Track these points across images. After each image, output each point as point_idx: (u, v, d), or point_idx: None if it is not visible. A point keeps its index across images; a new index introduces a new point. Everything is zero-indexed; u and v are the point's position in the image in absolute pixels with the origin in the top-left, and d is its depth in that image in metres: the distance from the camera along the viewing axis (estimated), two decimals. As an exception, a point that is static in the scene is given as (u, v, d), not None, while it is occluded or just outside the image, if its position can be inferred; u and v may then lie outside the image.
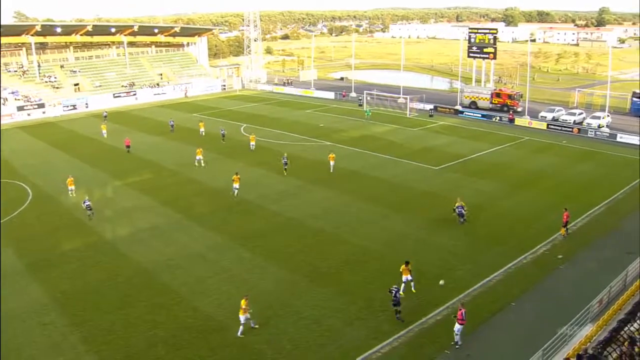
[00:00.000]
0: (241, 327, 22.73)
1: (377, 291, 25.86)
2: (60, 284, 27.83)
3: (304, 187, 42.16)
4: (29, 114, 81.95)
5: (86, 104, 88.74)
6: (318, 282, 27.19)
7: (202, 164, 48.76)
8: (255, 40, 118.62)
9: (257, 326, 23.20)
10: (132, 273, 28.69)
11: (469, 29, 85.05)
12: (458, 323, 21.51)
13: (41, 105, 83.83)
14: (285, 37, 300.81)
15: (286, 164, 46.12)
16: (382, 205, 37.55)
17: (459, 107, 75.53)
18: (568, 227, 32.12)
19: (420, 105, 76.35)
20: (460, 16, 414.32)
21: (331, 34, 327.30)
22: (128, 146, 53.27)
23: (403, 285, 25.35)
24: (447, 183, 42.79)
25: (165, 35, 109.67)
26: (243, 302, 22.77)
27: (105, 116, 74.13)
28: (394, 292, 23.50)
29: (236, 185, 39.70)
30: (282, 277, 27.84)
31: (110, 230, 34.68)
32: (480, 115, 71.10)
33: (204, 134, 62.05)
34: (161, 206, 38.90)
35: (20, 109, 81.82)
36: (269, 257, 30.07)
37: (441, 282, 26.05)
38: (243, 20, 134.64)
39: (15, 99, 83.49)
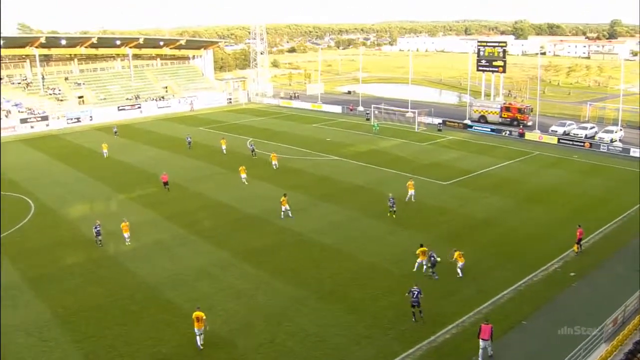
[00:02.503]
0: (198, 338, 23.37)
1: (385, 309, 25.86)
2: (62, 299, 27.92)
3: (310, 201, 42.28)
4: (32, 127, 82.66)
5: (90, 116, 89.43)
6: (325, 299, 27.18)
7: (246, 182, 47.54)
8: (261, 53, 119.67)
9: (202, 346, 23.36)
10: (136, 289, 28.78)
11: (478, 41, 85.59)
12: (482, 339, 21.49)
13: (45, 118, 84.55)
14: (292, 50, 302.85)
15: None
16: (389, 221, 37.57)
17: (468, 122, 75.64)
18: (582, 243, 32.01)
19: (429, 120, 76.54)
20: (469, 29, 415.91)
21: (338, 47, 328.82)
22: (166, 183, 46.45)
23: (416, 265, 29.28)
24: (456, 198, 42.78)
25: (171, 48, 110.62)
26: (200, 314, 23.29)
27: (116, 132, 73.89)
28: (415, 293, 24.37)
29: (285, 207, 38.68)
30: (288, 293, 27.85)
31: (114, 245, 34.83)
32: (489, 130, 71.17)
33: (225, 151, 60.17)
34: (165, 221, 39.10)
35: (23, 121, 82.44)
36: (275, 273, 30.10)
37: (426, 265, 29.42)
38: (249, 33, 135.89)
39: (19, 112, 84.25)
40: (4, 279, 30.20)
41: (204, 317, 23.42)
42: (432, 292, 27.18)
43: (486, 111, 76.74)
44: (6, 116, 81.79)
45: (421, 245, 29.71)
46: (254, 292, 28.14)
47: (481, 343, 21.59)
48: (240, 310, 26.18)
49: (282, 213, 38.61)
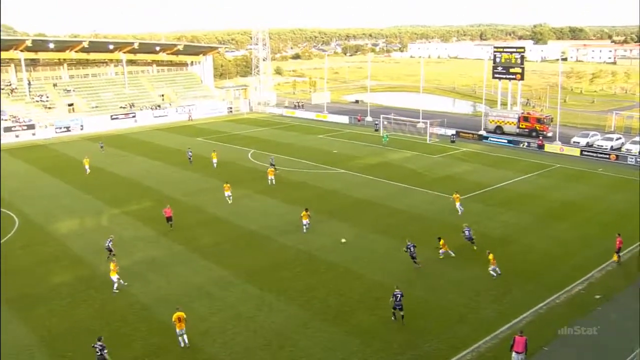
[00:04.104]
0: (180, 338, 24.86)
1: (395, 332, 25.79)
2: (47, 321, 27.85)
3: (315, 217, 42.25)
4: (17, 136, 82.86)
5: (81, 125, 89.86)
6: (331, 321, 27.11)
7: (229, 200, 46.90)
8: (264, 60, 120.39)
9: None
10: (128, 310, 28.74)
11: (494, 47, 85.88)
12: (516, 352, 21.60)
13: (31, 127, 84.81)
14: (296, 56, 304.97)
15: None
16: (399, 237, 37.35)
17: (483, 132, 75.70)
18: (621, 253, 32.32)
19: (441, 131, 76.66)
20: (484, 34, 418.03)
21: (345, 54, 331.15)
22: (169, 218, 40.54)
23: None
24: (470, 214, 42.65)
25: (168, 54, 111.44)
26: (182, 314, 24.90)
27: (102, 147, 71.94)
28: (398, 296, 26.28)
29: (306, 221, 38.99)
30: (292, 314, 27.80)
31: (105, 263, 34.66)
32: (506, 141, 71.19)
33: (216, 165, 60.02)
34: (161, 237, 39.21)
35: (7, 130, 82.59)
36: (278, 294, 30.06)
37: (343, 239, 35.33)
38: (251, 38, 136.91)
39: (3, 119, 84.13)
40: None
41: (185, 317, 24.94)
42: (446, 314, 27.16)
43: (503, 121, 76.78)
44: None
45: (439, 239, 34.16)
46: (255, 313, 28.10)
47: (515, 356, 21.59)
48: (241, 332, 26.13)
49: (304, 227, 38.96)
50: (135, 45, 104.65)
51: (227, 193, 46.96)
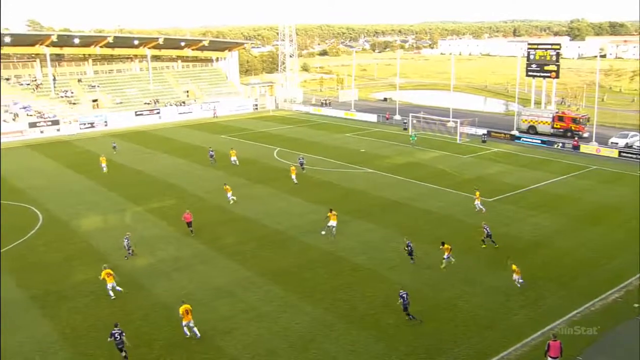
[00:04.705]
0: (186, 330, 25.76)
1: (421, 337, 25.61)
2: (70, 319, 28.31)
3: (341, 218, 42.17)
4: (41, 131, 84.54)
5: (105, 122, 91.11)
6: (356, 324, 27.04)
7: (232, 201, 47.06)
8: (290, 56, 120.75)
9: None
10: (150, 308, 29.09)
11: (528, 44, 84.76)
12: (551, 357, 21.46)
13: (55, 122, 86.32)
14: (324, 53, 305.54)
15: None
16: (426, 239, 37.16)
17: (515, 132, 74.85)
18: None
19: (472, 130, 76.06)
20: (518, 30, 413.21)
21: (374, 50, 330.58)
22: (189, 224, 39.64)
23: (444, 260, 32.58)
24: (501, 217, 42.21)
25: (193, 49, 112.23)
26: (189, 307, 25.84)
27: (115, 147, 70.99)
28: (405, 297, 26.78)
29: (333, 222, 38.33)
30: (317, 317, 27.78)
31: (128, 261, 35.32)
32: (539, 142, 70.24)
33: (237, 162, 60.58)
34: (184, 235, 39.53)
35: (32, 125, 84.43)
36: (302, 295, 30.09)
37: (322, 232, 37.98)
38: (277, 34, 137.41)
39: (28, 115, 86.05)
40: (7, 295, 30.80)
41: (191, 309, 25.89)
42: (475, 319, 26.88)
43: (536, 121, 75.80)
44: (14, 119, 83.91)
45: (442, 244, 33.17)
46: (279, 314, 28.17)
47: None
48: (263, 334, 26.23)
49: (333, 229, 38.40)
50: (160, 41, 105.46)
51: (229, 194, 47.03)
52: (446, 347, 24.74)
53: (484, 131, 74.19)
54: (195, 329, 25.80)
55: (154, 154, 69.40)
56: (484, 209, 42.71)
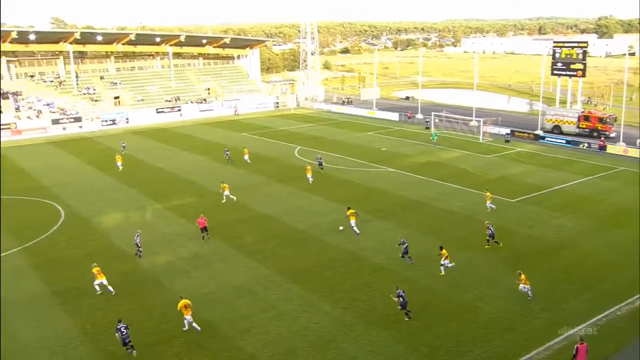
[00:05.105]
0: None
1: (442, 337, 25.52)
2: (90, 315, 28.69)
3: (361, 217, 42.20)
4: (64, 128, 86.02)
5: (126, 119, 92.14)
6: (375, 325, 27.03)
7: (226, 199, 47.22)
8: (312, 54, 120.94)
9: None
10: (170, 306, 29.17)
11: (554, 42, 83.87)
12: None
13: (78, 119, 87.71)
14: (345, 50, 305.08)
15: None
16: (447, 240, 36.92)
17: (539, 132, 74.06)
18: None
19: (495, 129, 75.47)
20: (543, 28, 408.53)
21: (396, 48, 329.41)
22: (204, 229, 38.44)
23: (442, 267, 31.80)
24: (524, 218, 41.85)
25: (214, 47, 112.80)
26: (188, 301, 26.36)
27: (124, 147, 70.06)
28: (404, 295, 26.88)
29: (353, 221, 38.51)
30: (336, 317, 27.80)
31: (148, 258, 35.69)
32: (564, 142, 69.41)
33: (249, 161, 60.97)
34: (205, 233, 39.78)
35: (55, 122, 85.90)
36: (322, 295, 30.14)
37: (340, 227, 38.70)
38: (299, 31, 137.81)
39: (51, 112, 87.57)
40: (29, 291, 31.43)
41: (190, 304, 26.38)
42: (496, 322, 26.70)
43: (561, 121, 74.92)
44: (37, 116, 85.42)
45: (441, 248, 32.50)
46: (298, 314, 28.27)
47: None
48: (283, 333, 26.35)
49: (354, 227, 38.48)
50: (182, 38, 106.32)
51: (226, 192, 47.29)
52: (467, 349, 24.62)
53: (508, 131, 73.55)
54: (194, 324, 26.28)
55: (174, 151, 70.02)
56: (494, 207, 42.96)
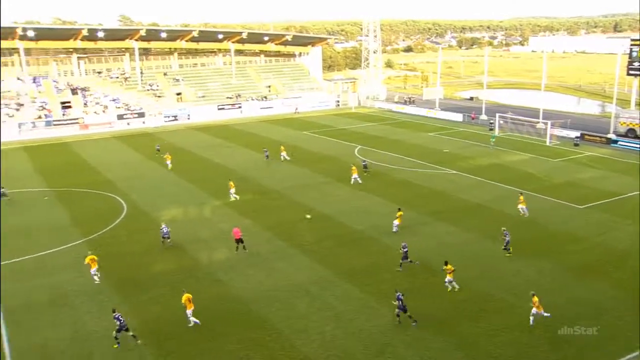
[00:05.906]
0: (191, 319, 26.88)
1: (503, 346, 24.98)
2: (148, 308, 29.52)
3: (419, 219, 41.88)
4: (128, 123, 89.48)
5: (188, 115, 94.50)
6: (433, 330, 26.71)
7: (231, 198, 48.11)
8: (374, 52, 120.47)
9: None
10: (226, 302, 29.85)
11: (631, 40, 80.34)
12: None
13: (141, 115, 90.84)
14: (408, 49, 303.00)
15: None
16: (510, 245, 36.19)
17: (612, 136, 71.46)
18: None
19: (564, 132, 73.32)
20: (619, 25, 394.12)
21: (460, 47, 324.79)
22: (239, 240, 36.32)
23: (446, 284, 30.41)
24: (593, 225, 40.43)
25: (276, 44, 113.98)
26: (190, 295, 26.97)
27: (158, 149, 68.70)
28: (402, 299, 26.72)
29: (396, 222, 39.15)
30: (393, 319, 27.56)
31: (206, 254, 36.45)
32: (639, 146, 66.72)
33: (288, 158, 62.02)
34: (263, 231, 40.39)
35: (120, 117, 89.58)
36: (380, 297, 29.99)
37: (308, 215, 40.68)
38: (361, 29, 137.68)
39: (116, 107, 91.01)
40: (88, 281, 32.54)
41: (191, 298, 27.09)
42: (574, 336, 25.92)
43: (636, 124, 72.04)
44: (103, 111, 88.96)
45: (446, 263, 30.91)
46: (355, 315, 28.25)
47: None
48: (339, 334, 26.40)
49: (395, 227, 39.01)
50: (244, 35, 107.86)
51: (232, 190, 47.95)
52: (528, 358, 24.02)
53: (577, 134, 71.37)
54: (192, 317, 27.00)
55: (234, 148, 71.28)
56: (527, 213, 41.99)
